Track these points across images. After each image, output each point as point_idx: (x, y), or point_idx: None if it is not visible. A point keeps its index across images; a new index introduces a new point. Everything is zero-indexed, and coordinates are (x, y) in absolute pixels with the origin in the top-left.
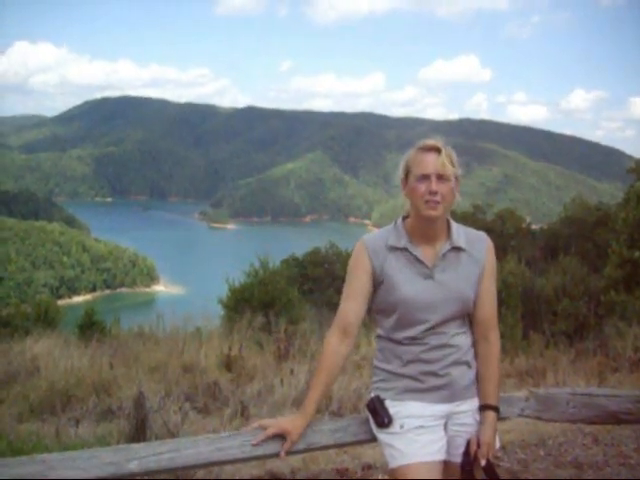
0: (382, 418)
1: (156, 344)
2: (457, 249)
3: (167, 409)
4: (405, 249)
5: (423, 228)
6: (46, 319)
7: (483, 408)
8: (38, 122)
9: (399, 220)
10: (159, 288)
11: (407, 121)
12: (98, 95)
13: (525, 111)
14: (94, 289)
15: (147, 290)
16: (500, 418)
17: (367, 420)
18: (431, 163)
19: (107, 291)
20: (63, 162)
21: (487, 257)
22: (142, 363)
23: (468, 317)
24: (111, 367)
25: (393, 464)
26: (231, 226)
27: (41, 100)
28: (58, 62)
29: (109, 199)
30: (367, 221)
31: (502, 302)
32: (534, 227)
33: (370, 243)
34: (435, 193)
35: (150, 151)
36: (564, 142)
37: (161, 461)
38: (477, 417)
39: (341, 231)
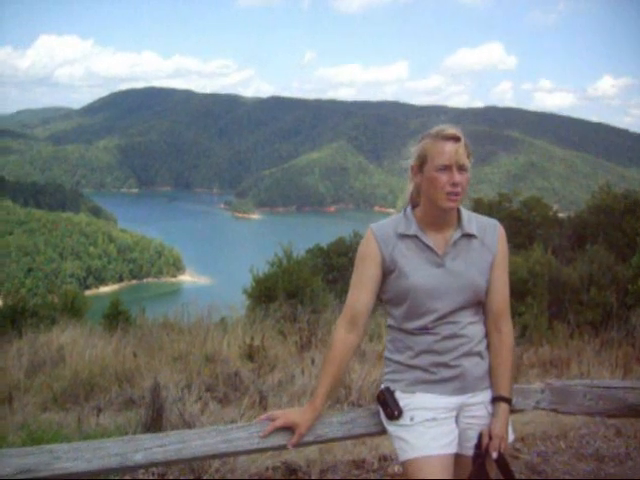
0: (392, 410)
1: (180, 334)
2: (468, 236)
3: (186, 399)
4: (415, 236)
5: (435, 217)
6: (72, 309)
7: (495, 400)
8: (64, 114)
9: (408, 208)
10: (185, 278)
11: (432, 109)
12: (123, 87)
13: (551, 98)
14: (121, 279)
15: (173, 280)
16: (515, 410)
17: (378, 412)
18: (452, 153)
19: (134, 281)
20: (89, 153)
21: (499, 244)
22: (165, 353)
23: (481, 306)
24: (135, 356)
25: (403, 457)
26: (256, 216)
27: (67, 92)
28: (83, 54)
29: (135, 190)
30: (392, 210)
31: (528, 291)
32: (561, 215)
33: (379, 231)
34: (457, 184)
35: (175, 142)
36: (591, 129)
37: (167, 452)
38: (490, 409)
39: (366, 220)
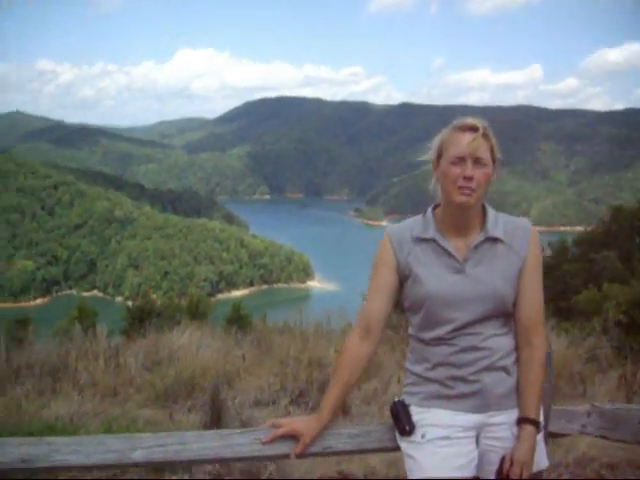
0: (403, 425)
1: (293, 338)
2: (493, 240)
3: (247, 402)
4: (432, 240)
5: (454, 217)
6: (197, 312)
7: (520, 422)
8: (200, 124)
9: (429, 209)
10: (314, 284)
11: (567, 113)
12: (256, 96)
13: None
14: (252, 284)
15: (302, 286)
16: (557, 434)
17: (393, 426)
18: (468, 144)
19: (264, 286)
20: (223, 161)
21: (530, 249)
22: (273, 356)
23: (511, 317)
24: (244, 359)
25: (410, 477)
26: (386, 223)
27: (202, 103)
28: (218, 66)
29: (266, 197)
30: (525, 218)
31: None
32: None
33: (394, 234)
34: (470, 179)
35: (305, 149)
36: None
37: (167, 453)
38: (515, 431)
39: None
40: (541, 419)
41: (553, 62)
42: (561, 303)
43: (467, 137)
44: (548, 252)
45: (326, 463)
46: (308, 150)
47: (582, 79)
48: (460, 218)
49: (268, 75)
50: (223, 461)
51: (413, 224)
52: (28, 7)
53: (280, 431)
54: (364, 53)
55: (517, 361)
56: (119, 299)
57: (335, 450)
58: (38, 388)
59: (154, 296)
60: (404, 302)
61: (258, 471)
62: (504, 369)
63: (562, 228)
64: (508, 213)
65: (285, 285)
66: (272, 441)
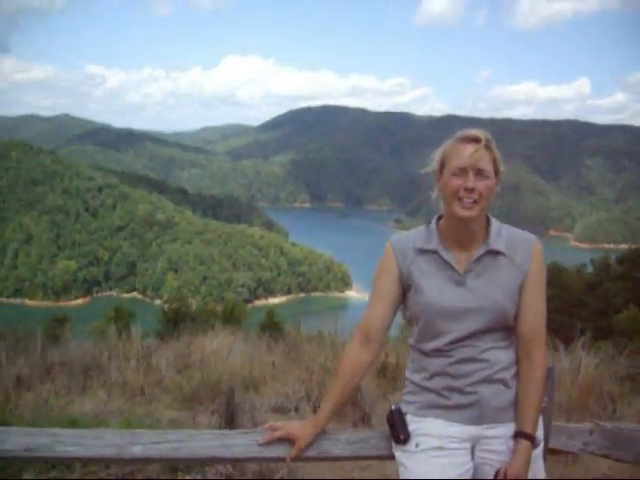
0: (398, 433)
1: (323, 347)
2: (494, 253)
3: (259, 407)
4: (435, 252)
5: (456, 229)
6: (232, 317)
7: (516, 436)
8: (243, 131)
9: (433, 220)
10: (352, 294)
11: (615, 128)
12: (300, 105)
13: None
14: (289, 291)
15: (340, 295)
16: (556, 451)
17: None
18: (470, 156)
19: (302, 294)
20: (265, 168)
21: (532, 263)
22: (302, 364)
23: (513, 331)
24: (273, 366)
25: None
26: None
27: (246, 110)
28: (264, 74)
29: (307, 205)
30: (568, 234)
31: None
32: None
33: (398, 244)
34: (472, 190)
35: (348, 159)
36: None
37: (164, 449)
38: (511, 445)
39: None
40: (540, 434)
41: (600, 76)
42: (601, 321)
43: (469, 148)
44: (589, 269)
45: (340, 469)
46: (350, 160)
47: (630, 94)
48: (463, 231)
49: (313, 84)
50: (219, 461)
51: (416, 235)
52: (81, 13)
53: (276, 434)
54: (409, 64)
55: (517, 375)
56: (158, 302)
57: (331, 455)
58: (68, 385)
59: (191, 300)
60: (405, 312)
61: (270, 472)
62: (502, 382)
63: (606, 245)
64: (552, 228)
65: (323, 294)
66: (268, 443)
